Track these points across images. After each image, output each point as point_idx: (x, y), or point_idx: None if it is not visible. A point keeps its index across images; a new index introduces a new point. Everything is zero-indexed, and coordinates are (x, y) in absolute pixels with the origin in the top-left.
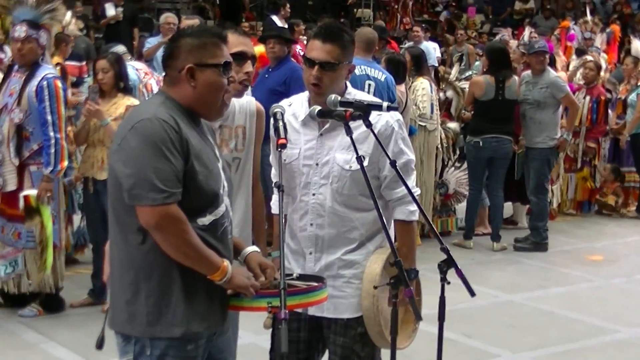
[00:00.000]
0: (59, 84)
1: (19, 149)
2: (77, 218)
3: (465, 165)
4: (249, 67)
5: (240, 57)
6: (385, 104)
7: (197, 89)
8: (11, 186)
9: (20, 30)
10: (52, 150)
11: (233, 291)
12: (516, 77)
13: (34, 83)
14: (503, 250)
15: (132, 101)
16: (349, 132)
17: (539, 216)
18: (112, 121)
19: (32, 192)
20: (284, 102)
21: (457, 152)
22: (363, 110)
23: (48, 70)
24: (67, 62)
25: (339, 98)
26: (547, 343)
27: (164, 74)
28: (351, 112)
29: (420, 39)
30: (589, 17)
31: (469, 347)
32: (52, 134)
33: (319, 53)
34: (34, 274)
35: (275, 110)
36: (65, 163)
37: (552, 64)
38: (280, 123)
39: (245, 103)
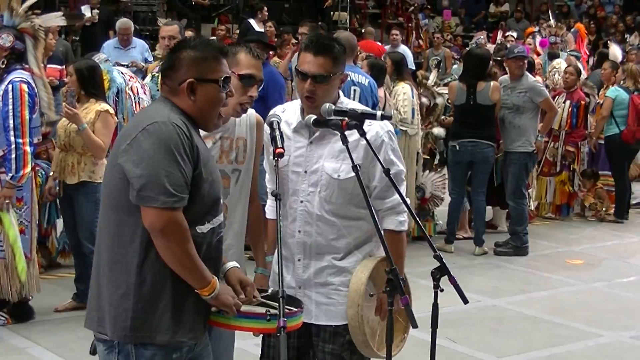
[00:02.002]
0: (25, 88)
1: None
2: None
3: (442, 169)
4: (254, 91)
5: (248, 80)
6: (379, 113)
7: (196, 102)
8: None
9: None
10: (13, 156)
11: (216, 308)
12: (492, 83)
13: (1, 87)
14: (484, 254)
15: (103, 106)
16: (345, 141)
17: (517, 220)
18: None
19: None
20: (278, 109)
21: (437, 156)
22: (357, 119)
23: (19, 74)
24: (49, 66)
25: (333, 107)
26: (531, 347)
27: (161, 82)
28: (347, 122)
29: (398, 43)
30: (552, 21)
31: (454, 352)
32: (13, 139)
33: (310, 66)
34: (3, 281)
35: (272, 119)
36: (28, 169)
37: (531, 68)
38: (277, 132)
39: (246, 115)
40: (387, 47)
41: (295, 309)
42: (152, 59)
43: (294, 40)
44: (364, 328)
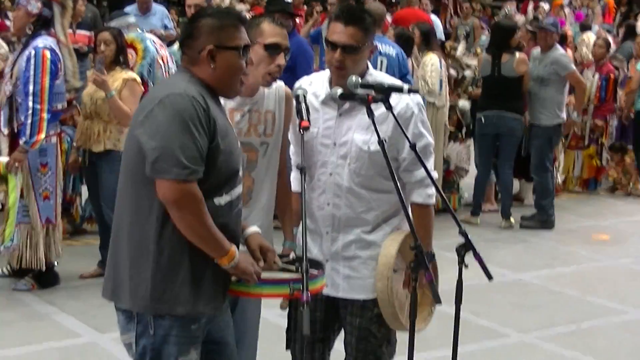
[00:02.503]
0: (48, 54)
1: (10, 119)
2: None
3: (467, 140)
4: (281, 59)
5: (274, 49)
6: (406, 86)
7: (216, 70)
8: (3, 156)
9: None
10: (29, 121)
11: (237, 277)
12: (518, 55)
13: (25, 53)
14: (510, 227)
15: (130, 75)
16: (371, 115)
17: (542, 194)
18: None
19: (3, 159)
20: (305, 81)
21: (464, 128)
22: (384, 93)
23: (43, 40)
24: (78, 31)
25: (360, 80)
26: (554, 323)
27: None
28: (373, 96)
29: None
30: None
31: (477, 326)
32: (31, 104)
33: (341, 36)
34: (23, 248)
35: (298, 92)
36: (42, 135)
37: (563, 41)
38: (303, 105)
39: (275, 88)
40: None
41: (316, 272)
42: (172, 25)
43: (318, 8)
44: (393, 301)
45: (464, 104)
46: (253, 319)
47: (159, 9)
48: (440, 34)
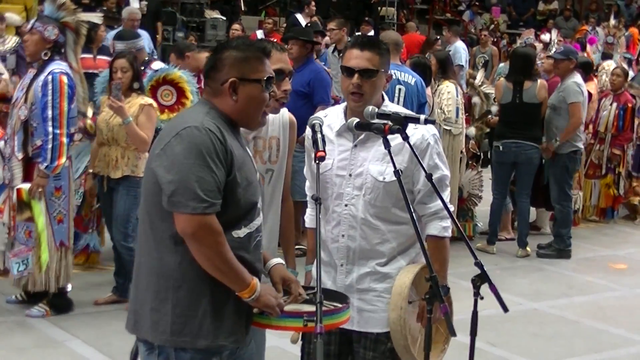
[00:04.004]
0: (65, 79)
1: (24, 144)
2: None
3: (478, 166)
4: (287, 84)
5: (278, 74)
6: (422, 117)
7: (238, 102)
8: (17, 181)
9: (30, 23)
10: (50, 146)
11: (259, 310)
12: (539, 81)
13: (40, 78)
14: (526, 256)
15: (146, 100)
16: (387, 145)
17: (562, 223)
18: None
19: (24, 186)
20: (320, 114)
21: (481, 155)
22: (400, 123)
23: (58, 66)
24: (98, 57)
25: (377, 110)
26: (573, 353)
27: (203, 84)
28: (390, 126)
29: (449, 40)
30: (612, 21)
31: (494, 356)
32: (51, 129)
33: (358, 61)
34: (36, 273)
35: (314, 122)
36: (63, 160)
37: (588, 70)
38: (319, 135)
39: (279, 114)
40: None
41: (341, 305)
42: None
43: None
44: (406, 333)
45: (470, 130)
46: (260, 344)
47: (144, 34)
48: (462, 59)
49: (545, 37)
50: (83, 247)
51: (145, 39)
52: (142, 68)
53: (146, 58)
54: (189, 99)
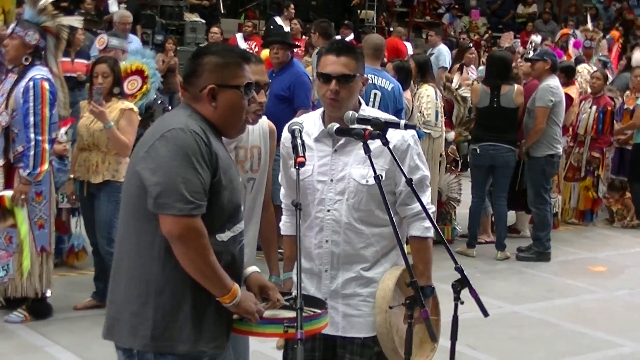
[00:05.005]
0: (46, 85)
1: (5, 150)
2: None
3: (457, 170)
4: (262, 97)
5: (255, 87)
6: (402, 122)
7: (218, 109)
8: (8, 190)
9: (10, 27)
10: (32, 153)
11: (238, 315)
12: (516, 86)
13: (22, 84)
14: (506, 259)
15: (127, 104)
16: (367, 151)
17: (540, 226)
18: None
19: (7, 193)
20: (298, 120)
21: (461, 159)
22: (381, 128)
23: (39, 71)
24: (76, 60)
25: (356, 115)
26: (553, 356)
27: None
28: (370, 131)
29: (435, 43)
30: (589, 25)
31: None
32: (32, 135)
33: (334, 67)
34: (17, 279)
35: (294, 127)
36: (46, 167)
37: (570, 74)
38: (299, 140)
39: (258, 123)
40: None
41: (320, 311)
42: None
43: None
44: (393, 335)
45: (450, 134)
46: (243, 350)
47: (135, 38)
48: (446, 61)
49: (537, 38)
50: (69, 248)
51: (135, 42)
52: None
53: None
54: (149, 78)
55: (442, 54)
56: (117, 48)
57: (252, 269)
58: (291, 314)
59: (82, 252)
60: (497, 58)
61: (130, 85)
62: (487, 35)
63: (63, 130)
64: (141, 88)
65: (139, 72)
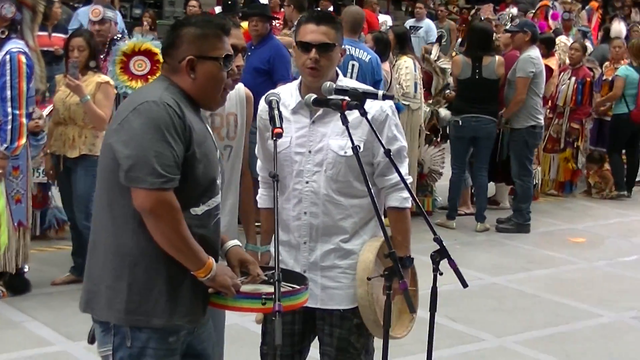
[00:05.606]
0: (23, 59)
1: None
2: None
3: (441, 143)
4: (239, 60)
5: (232, 50)
6: (380, 92)
7: (196, 80)
8: None
9: None
10: (9, 127)
11: (214, 289)
12: (497, 57)
13: None
14: (485, 231)
15: (103, 78)
16: (345, 121)
17: (522, 198)
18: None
19: None
20: (275, 91)
21: (440, 131)
22: (359, 99)
23: (15, 44)
24: (54, 34)
25: (334, 85)
26: (532, 327)
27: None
28: (348, 102)
29: (422, 16)
30: None
31: (453, 331)
32: (10, 109)
33: (315, 36)
34: None
35: (271, 98)
36: (23, 141)
37: (550, 45)
38: (276, 112)
39: (235, 89)
40: (411, 20)
41: (299, 287)
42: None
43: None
44: (374, 307)
45: (446, 113)
46: (219, 324)
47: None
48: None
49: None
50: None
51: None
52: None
53: (118, 36)
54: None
55: (431, 29)
56: (112, 20)
57: (233, 242)
58: (271, 289)
59: (64, 224)
60: (479, 29)
61: (138, 65)
62: (473, 11)
63: (46, 111)
64: (154, 72)
65: (148, 54)
